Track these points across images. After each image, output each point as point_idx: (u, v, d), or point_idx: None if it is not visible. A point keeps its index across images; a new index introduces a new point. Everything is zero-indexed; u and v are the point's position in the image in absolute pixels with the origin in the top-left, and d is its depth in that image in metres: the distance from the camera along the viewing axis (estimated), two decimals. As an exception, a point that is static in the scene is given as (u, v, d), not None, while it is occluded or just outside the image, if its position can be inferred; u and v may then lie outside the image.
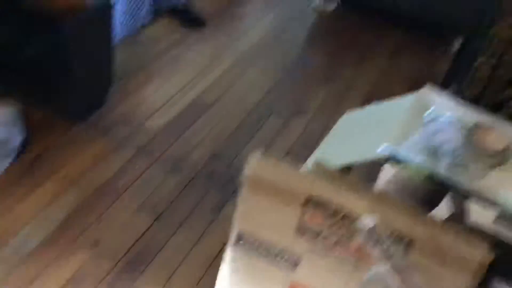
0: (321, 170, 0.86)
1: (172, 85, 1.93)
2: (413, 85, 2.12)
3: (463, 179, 0.77)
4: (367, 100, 2.00)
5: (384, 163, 0.80)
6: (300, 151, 1.74)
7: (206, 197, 1.51)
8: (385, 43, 2.42)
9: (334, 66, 2.24)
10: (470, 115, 0.89)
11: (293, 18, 2.57)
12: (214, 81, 2.00)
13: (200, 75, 2.01)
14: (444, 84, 1.36)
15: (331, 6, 2.65)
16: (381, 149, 0.81)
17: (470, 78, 1.00)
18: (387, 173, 0.80)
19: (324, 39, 2.50)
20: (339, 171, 0.86)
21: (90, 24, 1.52)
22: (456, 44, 2.30)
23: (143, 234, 1.37)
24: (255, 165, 0.86)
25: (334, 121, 1.86)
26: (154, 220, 1.41)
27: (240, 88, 2.00)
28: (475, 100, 1.01)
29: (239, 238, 0.92)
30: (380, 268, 0.79)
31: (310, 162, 0.98)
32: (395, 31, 2.48)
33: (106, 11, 1.55)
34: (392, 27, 2.50)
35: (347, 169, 0.89)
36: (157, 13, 2.27)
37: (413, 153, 0.79)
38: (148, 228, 1.39)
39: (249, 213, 0.90)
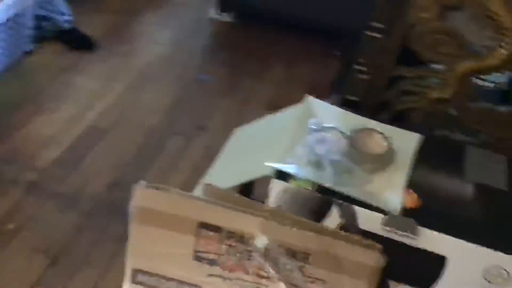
0: (212, 193, 0.83)
1: (63, 114, 1.81)
2: (312, 90, 2.17)
3: (349, 186, 0.77)
4: (269, 110, 2.01)
5: (273, 179, 0.79)
6: (206, 169, 1.70)
7: (107, 230, 1.42)
8: (282, 51, 2.46)
9: (234, 78, 2.23)
10: (352, 121, 0.90)
11: (189, 32, 2.53)
12: (109, 105, 1.91)
13: (94, 101, 1.91)
14: (334, 89, 1.38)
15: (227, 18, 2.65)
16: (269, 165, 0.79)
17: (350, 83, 1.02)
18: (276, 188, 0.79)
19: (223, 51, 2.49)
20: (230, 191, 0.83)
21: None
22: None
23: (39, 279, 1.26)
24: (141, 196, 0.82)
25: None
26: (51, 263, 1.30)
27: (138, 110, 1.93)
28: (357, 104, 1.03)
29: (135, 275, 0.87)
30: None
31: (201, 185, 0.95)
32: (291, 39, 2.52)
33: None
34: (287, 35, 2.54)
35: (244, 188, 0.87)
36: (42, 38, 2.14)
37: (299, 165, 0.78)
38: (45, 272, 1.28)
39: (142, 247, 0.85)
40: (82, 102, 1.89)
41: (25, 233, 1.36)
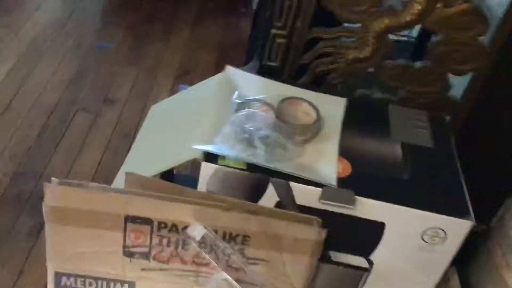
0: (135, 183, 0.77)
1: None
2: (222, 50, 2.11)
3: (281, 162, 0.74)
4: (180, 75, 1.93)
5: (202, 162, 0.74)
6: (120, 144, 1.61)
7: (17, 224, 1.30)
8: (186, 11, 2.34)
9: (138, 43, 2.10)
10: (276, 90, 0.86)
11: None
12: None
13: (-20, 81, 1.71)
14: (249, 53, 1.33)
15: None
16: (195, 148, 0.74)
17: (268, 48, 0.98)
18: (206, 172, 0.74)
19: (122, 14, 2.32)
20: (156, 179, 0.77)
21: None
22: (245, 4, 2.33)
23: None
24: (54, 195, 0.74)
25: (146, 105, 1.76)
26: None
27: (34, 87, 1.76)
28: (276, 70, 0.99)
29: (59, 278, 0.79)
30: (220, 276, 0.74)
31: (121, 174, 0.87)
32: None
33: None
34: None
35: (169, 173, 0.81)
36: None
37: (228, 145, 0.73)
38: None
39: (62, 248, 0.78)
40: (-34, 84, 1.68)
41: None
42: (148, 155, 0.85)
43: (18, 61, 1.87)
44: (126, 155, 1.38)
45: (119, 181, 0.87)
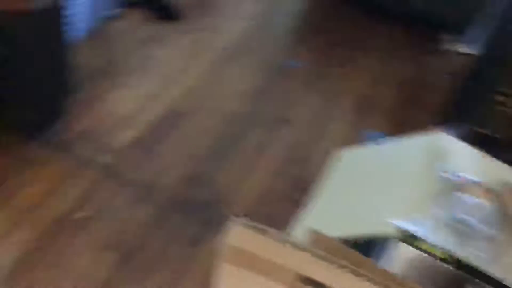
0: (318, 242, 0.71)
1: (142, 90, 1.72)
2: (405, 87, 1.98)
3: (495, 263, 0.62)
4: (358, 108, 1.84)
5: (396, 239, 0.65)
6: (289, 169, 1.57)
7: (182, 229, 1.32)
8: (379, 42, 2.23)
9: (322, 66, 2.05)
10: (496, 171, 0.73)
11: (279, 7, 2.37)
12: (190, 85, 1.80)
13: (174, 79, 1.81)
14: (451, 108, 1.20)
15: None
16: (393, 222, 0.65)
17: (485, 114, 0.85)
18: (401, 252, 0.65)
19: (313, 33, 2.28)
20: (340, 244, 0.71)
21: (38, 29, 1.31)
22: (447, 44, 2.16)
23: (108, 279, 1.18)
24: (237, 236, 0.71)
25: (323, 133, 1.70)
26: (122, 261, 1.22)
27: (218, 94, 1.81)
28: (490, 140, 0.86)
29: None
30: None
31: (299, 226, 0.82)
32: (391, 30, 2.28)
33: (55, 13, 1.35)
34: (388, 25, 2.29)
35: (349, 241, 0.74)
36: (126, 4, 2.06)
37: (433, 229, 0.64)
38: (115, 271, 1.20)
39: (231, 286, 0.75)
40: (161, 79, 1.80)
41: (95, 224, 1.28)
42: (334, 211, 0.78)
43: (210, 65, 1.95)
44: (294, 183, 1.33)
45: (298, 229, 0.82)
